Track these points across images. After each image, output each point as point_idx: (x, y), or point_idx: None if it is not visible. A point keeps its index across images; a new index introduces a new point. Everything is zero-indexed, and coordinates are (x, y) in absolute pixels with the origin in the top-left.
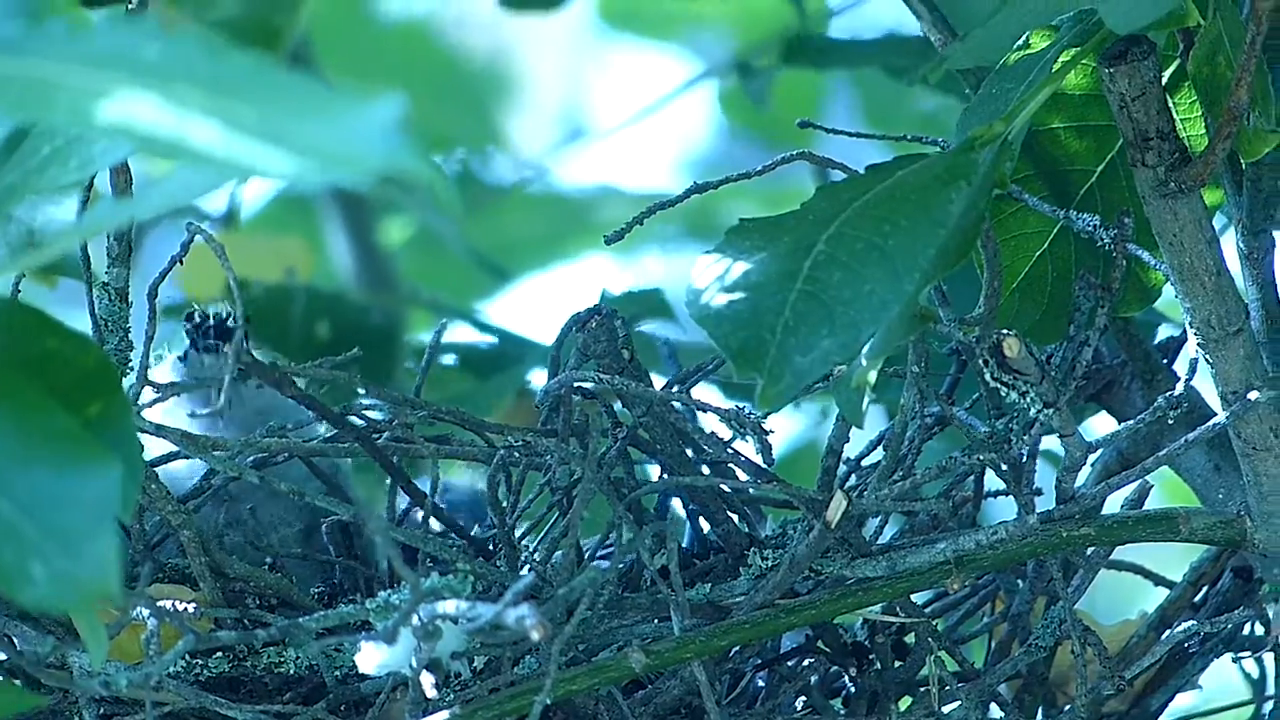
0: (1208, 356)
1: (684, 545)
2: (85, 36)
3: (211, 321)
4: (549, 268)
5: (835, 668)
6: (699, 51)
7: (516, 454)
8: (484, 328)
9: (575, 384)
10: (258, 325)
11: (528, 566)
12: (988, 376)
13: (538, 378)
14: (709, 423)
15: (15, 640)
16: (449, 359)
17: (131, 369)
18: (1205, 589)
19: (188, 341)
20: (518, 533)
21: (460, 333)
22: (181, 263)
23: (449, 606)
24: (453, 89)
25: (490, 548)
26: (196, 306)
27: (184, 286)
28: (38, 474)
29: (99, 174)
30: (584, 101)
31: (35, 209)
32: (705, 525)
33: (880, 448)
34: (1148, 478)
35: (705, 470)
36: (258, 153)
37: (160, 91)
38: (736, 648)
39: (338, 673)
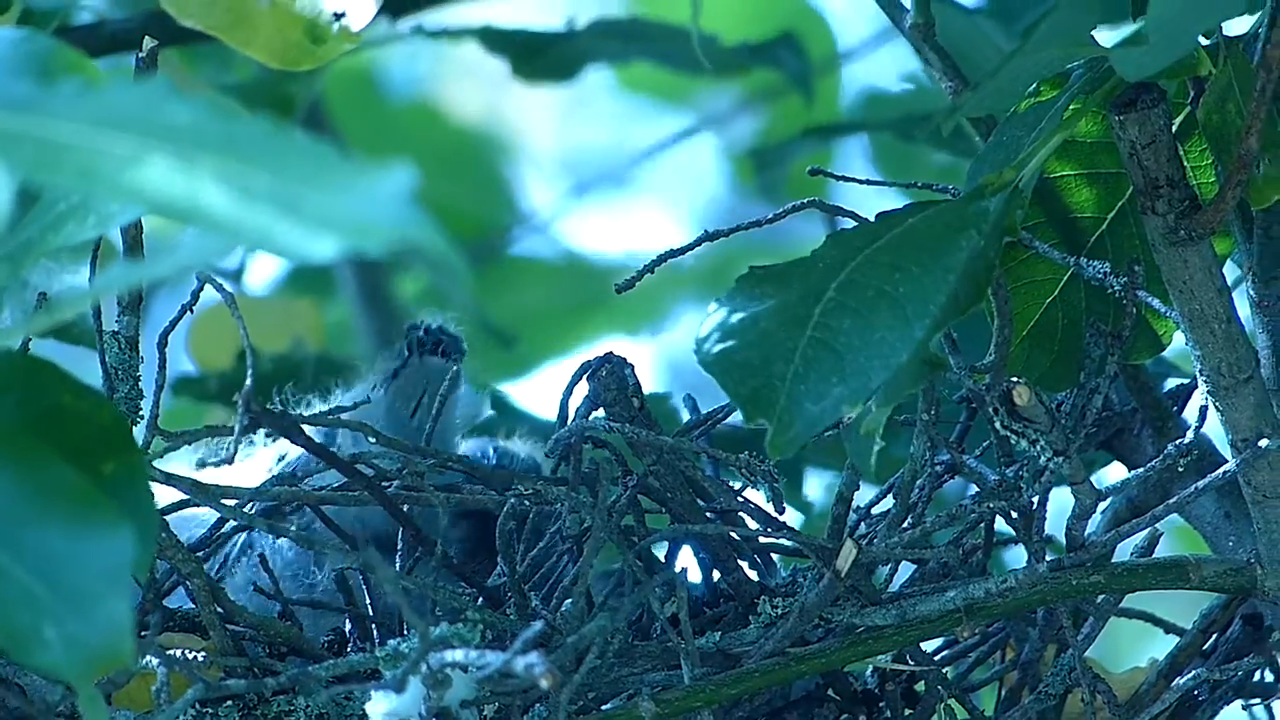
0: (1218, 404)
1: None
2: (96, 96)
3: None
4: (567, 340)
5: (845, 716)
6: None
7: (527, 502)
8: (496, 404)
9: (585, 432)
10: (264, 399)
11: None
12: (998, 424)
13: None
14: None
15: (25, 688)
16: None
17: (142, 417)
18: (1215, 636)
19: (405, 351)
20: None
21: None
22: (191, 311)
23: (458, 655)
24: (464, 163)
25: (500, 596)
26: (420, 318)
27: (192, 350)
28: (51, 536)
29: None
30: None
31: (50, 275)
32: (715, 573)
33: (890, 495)
34: (1158, 525)
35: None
36: (269, 221)
37: (172, 154)
38: (746, 696)
39: None
